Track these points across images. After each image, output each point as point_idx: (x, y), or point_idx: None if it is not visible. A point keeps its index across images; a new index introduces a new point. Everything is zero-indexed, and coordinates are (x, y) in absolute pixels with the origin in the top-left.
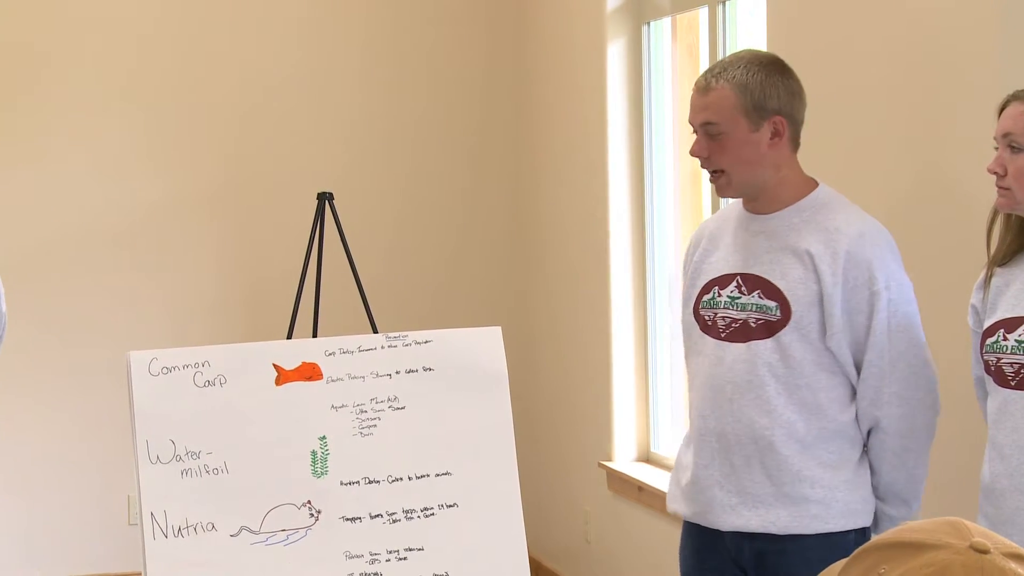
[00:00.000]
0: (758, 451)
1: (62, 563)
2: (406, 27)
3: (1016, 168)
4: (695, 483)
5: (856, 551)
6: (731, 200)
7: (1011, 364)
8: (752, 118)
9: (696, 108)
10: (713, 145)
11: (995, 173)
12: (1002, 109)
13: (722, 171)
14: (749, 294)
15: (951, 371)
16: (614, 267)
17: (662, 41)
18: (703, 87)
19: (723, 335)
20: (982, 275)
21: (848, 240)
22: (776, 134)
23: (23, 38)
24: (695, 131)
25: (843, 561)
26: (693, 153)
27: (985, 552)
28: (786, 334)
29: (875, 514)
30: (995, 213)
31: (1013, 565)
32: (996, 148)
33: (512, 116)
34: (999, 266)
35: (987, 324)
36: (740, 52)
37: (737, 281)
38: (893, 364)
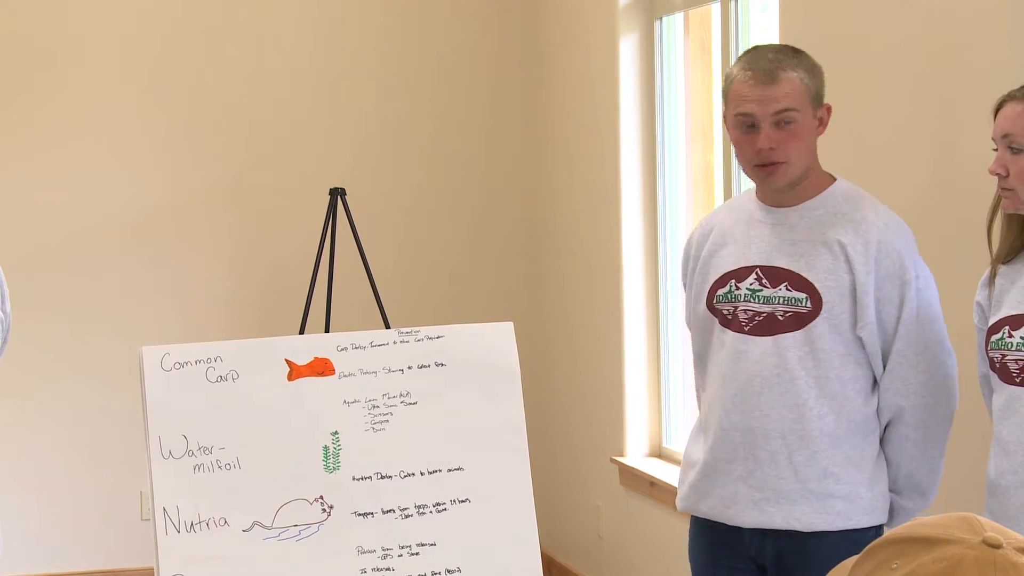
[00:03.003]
0: (786, 446)
1: (75, 558)
2: (418, 24)
3: (1018, 169)
4: (712, 478)
5: (867, 547)
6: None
7: (1016, 361)
8: (814, 105)
9: (764, 98)
10: (782, 135)
11: (997, 174)
12: (997, 109)
13: (783, 162)
14: (774, 287)
15: (959, 368)
16: (626, 262)
17: (674, 36)
18: (768, 77)
19: (746, 329)
20: (986, 273)
21: (878, 230)
22: (821, 123)
23: (42, 34)
24: (752, 124)
25: (854, 558)
26: (762, 145)
27: (998, 547)
28: (817, 325)
29: (892, 509)
30: (993, 212)
31: None
32: (995, 149)
33: (524, 112)
34: (1003, 264)
35: (992, 321)
36: (770, 44)
37: (757, 274)
38: (920, 354)
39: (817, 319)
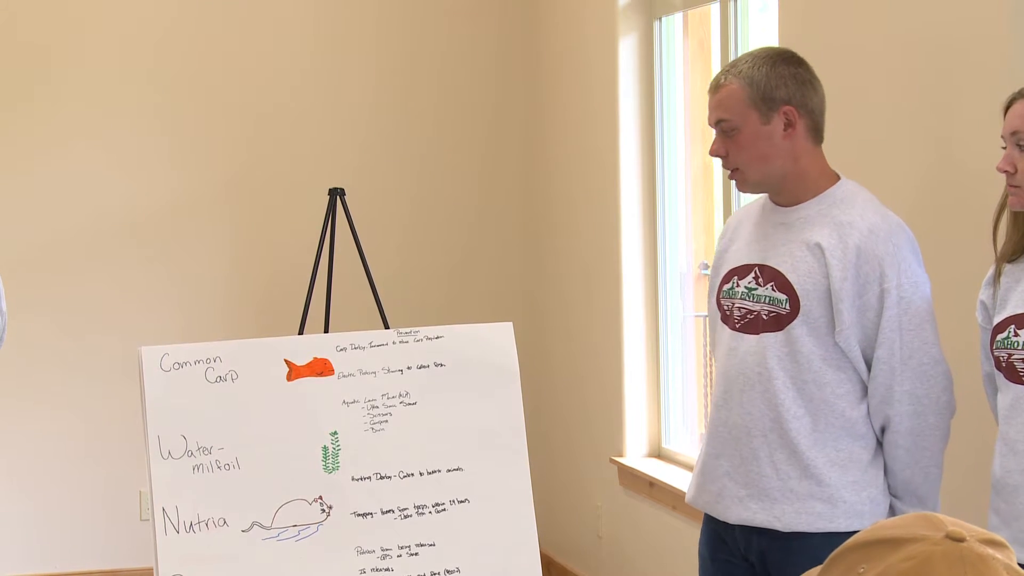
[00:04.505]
0: (766, 444)
1: (74, 559)
2: (418, 24)
3: None
4: (705, 473)
5: (832, 554)
6: (734, 194)
7: (1022, 360)
8: (762, 110)
9: (710, 108)
10: (729, 143)
11: (1005, 171)
12: (1007, 107)
13: (736, 168)
14: (764, 286)
15: (959, 367)
16: (626, 262)
17: (674, 36)
18: (714, 86)
19: (738, 326)
20: (991, 271)
21: (859, 234)
22: (789, 124)
23: (43, 36)
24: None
25: (817, 568)
26: (712, 153)
27: (961, 540)
28: (795, 328)
29: (892, 512)
30: (1000, 211)
31: (990, 551)
32: (1003, 147)
33: (524, 112)
34: (1008, 263)
35: (997, 320)
36: (752, 50)
37: (755, 272)
38: (904, 362)
39: (795, 321)
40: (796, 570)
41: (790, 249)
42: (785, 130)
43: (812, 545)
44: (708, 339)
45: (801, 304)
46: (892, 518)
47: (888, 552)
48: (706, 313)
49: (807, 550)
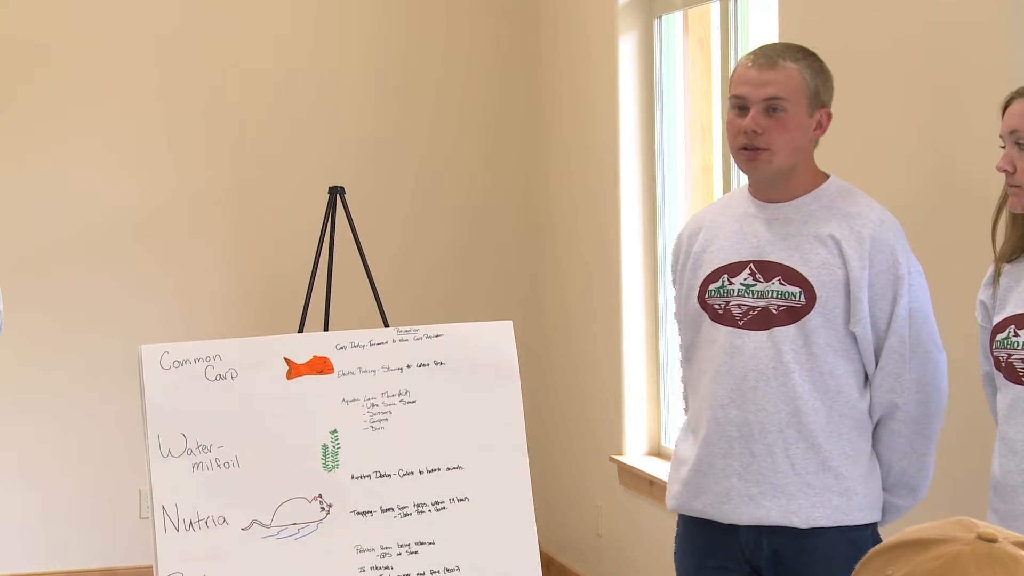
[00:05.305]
0: (783, 439)
1: (74, 556)
2: (418, 23)
3: None
4: (706, 475)
5: (863, 559)
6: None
7: (1022, 360)
8: (812, 104)
9: (759, 82)
10: (771, 122)
11: (1005, 171)
12: (1006, 106)
13: (766, 149)
14: (767, 281)
15: (958, 366)
16: (625, 261)
17: (674, 35)
18: (768, 63)
19: (740, 323)
20: (990, 271)
21: (872, 225)
22: (819, 126)
23: (42, 34)
24: (742, 106)
25: None
26: (748, 127)
27: (993, 541)
28: (811, 319)
29: (885, 508)
30: (998, 210)
31: (1023, 552)
32: (1002, 147)
33: (524, 110)
34: (1007, 263)
35: (997, 320)
36: (788, 43)
37: (750, 268)
38: (913, 350)
39: (811, 313)
40: (812, 567)
41: (797, 243)
42: (815, 130)
43: (828, 540)
44: (685, 342)
45: (818, 295)
46: (926, 524)
47: (916, 553)
48: None
49: (822, 546)
